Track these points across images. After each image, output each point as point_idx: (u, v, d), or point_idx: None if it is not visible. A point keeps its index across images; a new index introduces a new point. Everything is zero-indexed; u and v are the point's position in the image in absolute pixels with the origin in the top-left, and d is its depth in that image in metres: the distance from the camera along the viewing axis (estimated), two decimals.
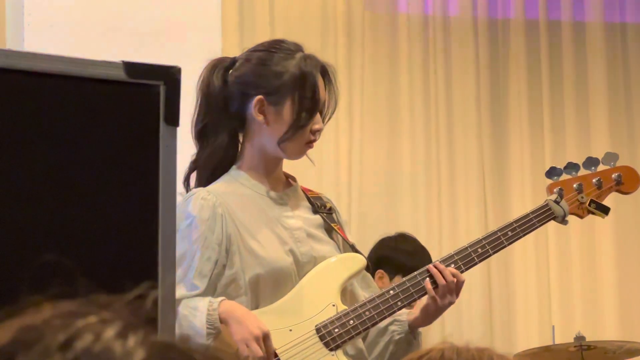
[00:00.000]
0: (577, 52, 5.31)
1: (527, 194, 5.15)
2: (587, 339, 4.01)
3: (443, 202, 5.06)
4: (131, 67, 1.35)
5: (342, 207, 4.89)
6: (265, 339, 2.42)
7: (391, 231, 4.39)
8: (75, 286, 0.66)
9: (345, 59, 5.03)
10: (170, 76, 1.37)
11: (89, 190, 1.31)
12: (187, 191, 2.62)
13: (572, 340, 4.04)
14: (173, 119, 1.36)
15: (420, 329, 2.73)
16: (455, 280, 2.64)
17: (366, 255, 4.26)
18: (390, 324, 2.68)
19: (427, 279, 2.64)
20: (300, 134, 2.56)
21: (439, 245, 4.90)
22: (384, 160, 5.08)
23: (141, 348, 0.57)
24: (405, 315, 2.70)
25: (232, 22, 4.88)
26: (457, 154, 5.14)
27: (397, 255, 4.11)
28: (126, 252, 1.30)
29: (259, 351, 2.40)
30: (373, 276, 4.09)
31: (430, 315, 2.67)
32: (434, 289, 2.62)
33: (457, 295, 2.67)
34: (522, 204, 5.08)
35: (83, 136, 1.32)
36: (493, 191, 5.14)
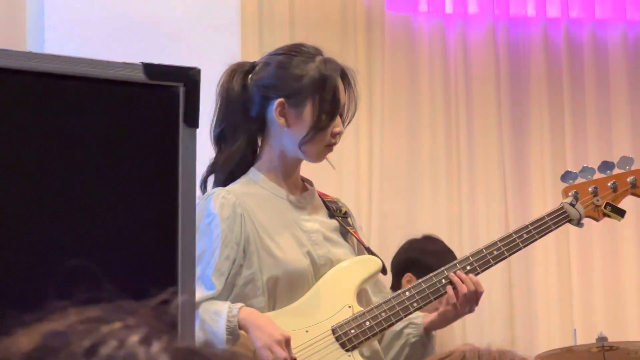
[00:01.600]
0: (597, 55, 5.28)
1: (547, 193, 5.13)
2: (609, 340, 3.99)
3: (463, 203, 5.04)
4: (151, 69, 1.35)
5: (362, 208, 4.90)
6: (286, 344, 2.43)
7: (412, 231, 4.38)
8: (100, 291, 0.66)
9: (365, 60, 5.02)
10: (189, 77, 1.37)
11: (109, 193, 1.31)
12: (204, 193, 2.64)
13: (594, 341, 4.02)
14: (193, 121, 1.36)
15: (436, 332, 2.74)
16: (475, 290, 2.65)
17: (392, 257, 4.28)
18: (406, 327, 2.69)
19: (449, 286, 2.65)
20: (320, 136, 2.58)
21: (460, 245, 4.89)
22: (405, 160, 5.07)
23: (165, 354, 0.57)
24: (420, 318, 2.71)
25: (252, 23, 4.88)
26: (478, 154, 5.12)
27: (424, 257, 4.10)
28: (146, 254, 1.30)
29: (283, 353, 2.41)
30: (401, 280, 4.10)
31: (448, 320, 2.69)
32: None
33: (476, 304, 2.69)
34: (543, 203, 5.07)
35: (103, 138, 1.32)
36: (514, 190, 5.13)
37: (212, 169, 2.64)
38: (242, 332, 2.45)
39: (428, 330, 2.70)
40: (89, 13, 4.58)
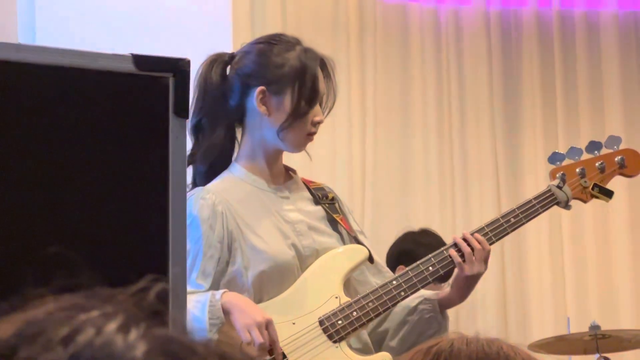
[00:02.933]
0: (590, 42, 5.28)
1: (541, 185, 5.11)
2: (602, 328, 4.00)
3: (457, 198, 5.05)
4: (140, 60, 1.35)
5: (355, 204, 4.89)
6: (267, 326, 2.43)
7: (405, 225, 4.39)
8: (79, 279, 0.66)
9: (358, 49, 5.02)
10: (179, 68, 1.37)
11: (99, 183, 1.31)
12: None
13: (587, 330, 4.03)
14: (183, 111, 1.36)
15: (448, 313, 2.72)
16: (481, 247, 2.64)
17: (385, 252, 4.28)
18: (420, 302, 2.68)
19: (452, 249, 2.65)
20: (299, 123, 2.57)
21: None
22: (397, 155, 5.07)
23: (142, 341, 0.57)
24: (435, 294, 2.70)
25: (243, 12, 4.87)
26: (471, 149, 5.13)
27: (418, 249, 4.10)
28: (136, 245, 1.30)
29: (260, 337, 2.41)
30: (394, 272, 4.10)
31: (461, 289, 2.66)
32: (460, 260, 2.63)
33: (485, 264, 2.66)
34: (536, 189, 5.07)
35: (92, 128, 1.32)
36: (507, 186, 5.13)
37: (190, 160, 2.61)
38: (226, 316, 2.44)
39: (442, 306, 2.68)
40: (80, 5, 4.57)
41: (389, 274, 2.72)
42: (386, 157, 5.05)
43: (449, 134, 5.10)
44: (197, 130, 2.61)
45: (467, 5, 5.20)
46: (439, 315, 2.68)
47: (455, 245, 2.67)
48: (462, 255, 2.64)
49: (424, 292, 2.67)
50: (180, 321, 1.29)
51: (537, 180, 5.12)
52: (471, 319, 4.87)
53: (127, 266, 1.25)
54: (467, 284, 2.67)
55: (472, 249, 2.65)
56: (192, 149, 2.62)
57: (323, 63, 2.62)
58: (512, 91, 5.21)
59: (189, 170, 2.63)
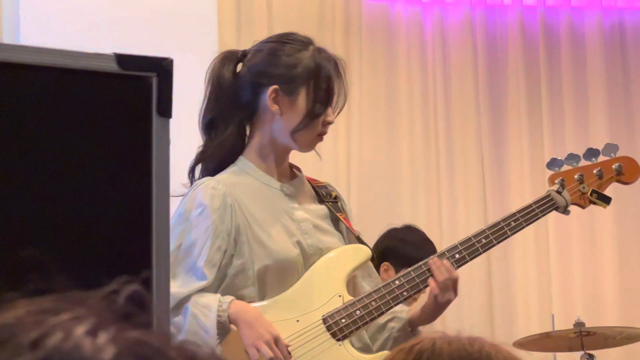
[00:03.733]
0: (574, 42, 5.30)
1: (526, 186, 5.15)
2: (586, 325, 4.01)
3: (443, 197, 5.06)
4: (123, 59, 1.34)
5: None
6: (276, 342, 2.44)
7: (388, 225, 4.39)
8: (51, 282, 0.66)
9: (343, 48, 5.02)
10: (163, 68, 1.36)
11: (82, 183, 1.31)
12: (192, 183, 2.64)
13: (571, 327, 4.05)
14: (166, 111, 1.35)
15: (420, 328, 2.74)
16: (449, 275, 2.65)
17: (372, 245, 4.28)
18: (390, 320, 2.70)
19: (431, 278, 2.66)
20: (313, 124, 2.58)
21: (440, 241, 4.90)
22: (383, 155, 5.08)
23: (111, 345, 0.57)
24: (405, 312, 2.72)
25: (229, 13, 4.86)
26: (457, 146, 5.14)
27: (403, 247, 4.11)
28: (119, 245, 1.29)
29: (269, 352, 2.42)
30: (378, 269, 4.10)
31: (428, 313, 2.69)
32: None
33: (455, 292, 2.68)
34: (521, 196, 5.08)
35: (75, 128, 1.32)
36: (493, 184, 5.14)
37: (200, 157, 2.64)
38: (232, 326, 2.46)
39: (413, 324, 2.70)
40: (64, 4, 4.55)
41: (377, 279, 2.74)
42: (372, 156, 5.06)
43: (435, 132, 5.11)
44: (209, 127, 2.63)
45: (452, 6, 5.21)
46: (408, 334, 2.69)
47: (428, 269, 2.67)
48: (435, 281, 2.65)
49: (395, 309, 2.68)
50: (164, 321, 1.29)
51: (522, 177, 5.14)
52: (457, 317, 4.88)
53: (110, 267, 1.25)
54: (435, 310, 2.69)
55: (443, 277, 2.65)
56: (204, 147, 2.65)
57: (335, 64, 2.63)
58: (497, 90, 5.23)
59: (197, 168, 2.65)
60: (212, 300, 2.47)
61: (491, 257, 5.05)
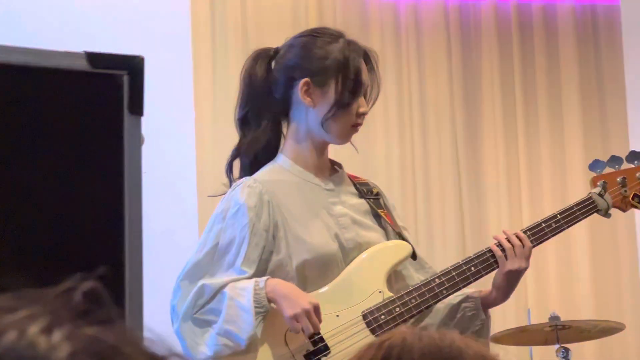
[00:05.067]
0: (547, 34, 5.32)
1: (501, 178, 5.16)
2: (562, 319, 4.03)
3: (418, 201, 5.07)
4: (94, 57, 1.34)
5: None
6: (315, 311, 2.46)
7: None
8: (7, 280, 0.65)
9: None
10: (134, 66, 1.36)
11: (53, 181, 1.30)
12: (230, 179, 2.66)
13: (547, 321, 4.07)
14: (137, 109, 1.35)
15: (490, 312, 2.73)
16: (521, 244, 2.66)
17: None
18: (463, 300, 2.71)
19: (493, 244, 2.68)
20: (343, 114, 2.61)
21: (415, 244, 4.91)
22: (358, 160, 5.08)
23: (66, 342, 0.57)
24: (477, 292, 2.72)
25: (202, 11, 4.85)
26: (431, 142, 5.15)
27: None
28: (91, 244, 1.29)
29: (309, 327, 2.45)
30: None
31: (502, 287, 2.68)
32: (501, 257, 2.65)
33: (527, 260, 2.69)
34: (497, 190, 5.10)
35: (46, 127, 1.31)
36: (468, 179, 5.16)
37: (236, 153, 2.67)
38: (272, 305, 2.48)
39: (485, 305, 2.70)
40: (35, 2, 4.53)
41: (431, 270, 2.74)
42: (346, 162, 5.05)
43: (410, 128, 5.12)
44: (243, 123, 2.66)
45: (425, 1, 5.22)
46: (481, 313, 2.71)
47: (497, 243, 2.69)
48: (503, 251, 2.67)
49: (466, 290, 2.70)
50: (138, 318, 1.28)
51: (497, 170, 5.16)
52: None
53: (81, 266, 1.25)
54: (508, 281, 2.69)
55: (513, 246, 2.66)
56: (239, 142, 2.68)
57: (367, 55, 2.67)
58: (472, 84, 5.24)
59: (236, 164, 2.67)
60: (249, 281, 2.50)
61: (467, 251, 5.07)
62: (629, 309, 5.14)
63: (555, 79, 5.31)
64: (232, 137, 5.12)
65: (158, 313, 4.06)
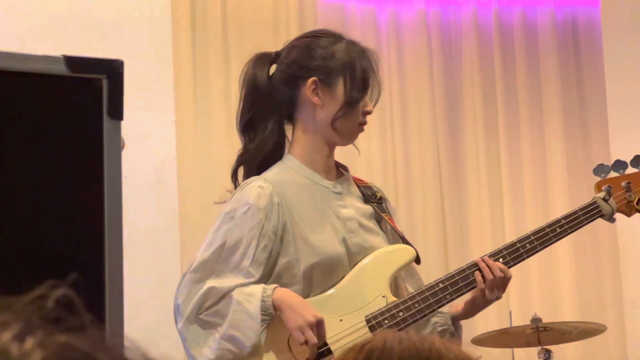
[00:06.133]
0: (528, 39, 5.34)
1: (483, 188, 5.17)
2: (543, 321, 4.04)
3: (400, 202, 5.07)
4: (72, 62, 1.33)
5: None
6: (318, 326, 2.46)
7: None
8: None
9: None
10: (113, 70, 1.36)
11: (32, 186, 1.30)
12: (235, 185, 2.65)
13: (529, 323, 4.07)
14: (117, 113, 1.34)
15: (461, 323, 2.76)
16: (503, 275, 2.67)
17: None
18: (433, 315, 2.71)
19: (478, 272, 2.67)
20: (353, 113, 2.62)
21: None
22: (339, 152, 5.08)
23: (39, 350, 0.57)
24: (447, 308, 2.73)
25: (183, 14, 4.84)
26: (413, 147, 5.16)
27: None
28: (71, 248, 1.29)
29: (314, 339, 2.45)
30: None
31: (475, 308, 2.71)
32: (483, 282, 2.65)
33: (504, 290, 2.70)
34: (478, 190, 5.11)
35: (25, 132, 1.30)
36: (449, 178, 5.16)
37: (241, 159, 2.66)
38: (277, 313, 2.48)
39: (455, 320, 2.72)
40: (12, 5, 4.51)
41: (420, 282, 2.75)
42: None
43: (391, 132, 5.12)
44: (247, 129, 2.65)
45: (406, 5, 5.23)
46: (451, 328, 2.72)
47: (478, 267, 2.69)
48: (484, 279, 2.67)
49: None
50: (117, 323, 1.28)
51: (478, 172, 5.17)
52: None
53: (61, 271, 1.24)
54: (482, 306, 2.71)
55: (495, 277, 2.67)
56: (245, 148, 2.66)
57: (368, 56, 2.68)
58: (452, 89, 5.25)
59: (241, 170, 2.66)
60: (257, 288, 2.50)
61: (449, 254, 5.08)
62: (611, 311, 5.16)
63: (536, 82, 5.33)
64: (212, 140, 5.10)
65: (140, 316, 4.03)
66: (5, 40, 4.20)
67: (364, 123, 2.67)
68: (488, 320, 4.98)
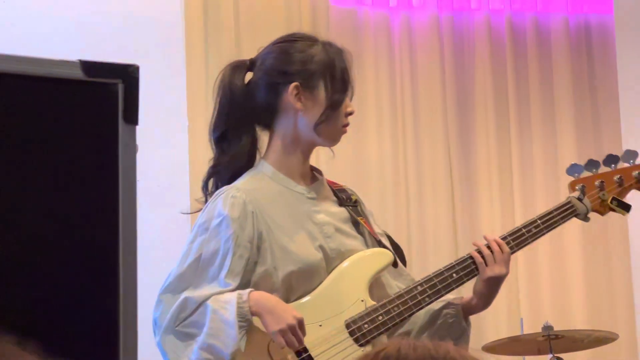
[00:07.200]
0: (540, 45, 5.33)
1: (494, 186, 5.17)
2: (555, 329, 4.04)
3: (411, 204, 5.07)
4: (89, 66, 1.34)
5: None
6: (299, 326, 2.44)
7: None
8: None
9: None
10: (128, 75, 1.36)
11: (48, 190, 1.30)
12: (206, 197, 2.62)
13: (540, 330, 4.07)
14: (132, 118, 1.35)
15: (470, 318, 2.73)
16: (500, 250, 2.66)
17: None
18: (444, 306, 2.69)
19: (474, 251, 2.67)
20: (335, 115, 2.59)
21: (408, 246, 4.92)
22: (351, 159, 5.08)
23: None
24: (459, 299, 2.71)
25: (196, 19, 4.85)
26: (424, 152, 5.15)
27: None
28: (86, 253, 1.29)
29: (295, 342, 2.43)
30: None
31: (483, 294, 2.68)
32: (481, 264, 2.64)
33: (507, 267, 2.68)
34: (490, 198, 5.10)
35: (41, 136, 1.31)
36: (461, 185, 5.16)
37: (213, 170, 2.63)
38: (255, 318, 2.45)
39: (466, 312, 2.70)
40: (29, 10, 4.52)
41: (409, 277, 2.73)
42: (340, 160, 5.06)
43: (402, 135, 5.12)
44: (221, 141, 2.62)
45: (418, 10, 5.23)
46: (462, 321, 2.69)
47: (477, 250, 2.68)
48: (483, 257, 2.66)
49: (448, 296, 2.68)
50: (131, 344, 1.28)
51: (490, 177, 5.16)
52: None
53: (76, 275, 1.25)
54: (489, 288, 2.68)
55: (492, 252, 2.66)
56: (217, 159, 2.62)
57: (344, 55, 2.66)
58: (464, 95, 5.25)
59: (211, 181, 2.63)
60: (232, 295, 2.47)
61: (460, 254, 5.06)
62: (622, 319, 5.14)
63: (548, 87, 5.32)
64: None
65: (150, 316, 4.02)
66: (22, 45, 4.22)
67: (347, 124, 2.64)
68: (499, 327, 4.97)
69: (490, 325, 5.03)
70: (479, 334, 4.96)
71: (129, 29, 4.65)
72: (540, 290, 5.13)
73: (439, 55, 5.20)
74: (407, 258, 4.14)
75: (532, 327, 4.62)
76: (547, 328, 4.03)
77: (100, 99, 1.34)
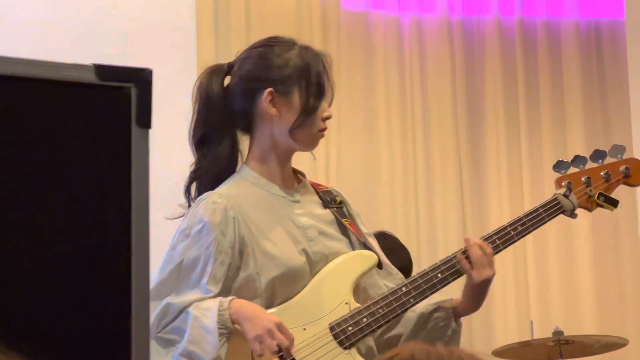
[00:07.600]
0: (551, 49, 5.33)
1: (504, 191, 5.16)
2: (565, 334, 4.03)
3: (420, 203, 5.07)
4: (102, 70, 1.34)
5: None
6: (279, 328, 2.43)
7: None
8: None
9: None
10: (142, 78, 1.36)
11: (59, 195, 1.30)
12: (189, 202, 2.62)
13: (550, 335, 4.06)
14: (145, 122, 1.35)
15: (461, 320, 2.72)
16: (482, 253, 2.64)
17: None
18: (435, 310, 2.69)
19: (460, 254, 2.65)
20: (311, 120, 2.58)
21: (417, 246, 4.91)
22: (361, 160, 5.09)
23: None
24: (450, 302, 2.71)
25: (207, 22, 4.86)
26: (434, 152, 5.15)
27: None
28: (97, 258, 1.29)
29: (273, 345, 2.41)
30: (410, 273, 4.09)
31: (472, 297, 2.67)
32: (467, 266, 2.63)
33: (492, 269, 2.66)
34: (499, 198, 5.10)
35: (54, 140, 1.31)
36: (470, 185, 5.16)
37: (194, 175, 2.63)
38: (235, 326, 2.45)
39: (457, 314, 2.69)
40: (41, 13, 4.54)
41: (398, 276, 2.72)
42: (350, 161, 5.06)
43: (412, 138, 5.12)
44: (201, 144, 2.62)
45: (429, 13, 5.23)
46: (453, 323, 2.69)
47: (462, 251, 2.67)
48: (470, 262, 2.65)
49: (439, 299, 2.68)
50: (144, 322, 1.28)
51: (499, 178, 5.16)
52: None
53: (89, 280, 1.25)
54: (477, 290, 2.67)
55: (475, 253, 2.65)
56: (198, 164, 2.63)
57: (321, 59, 2.65)
58: (474, 97, 5.25)
59: (193, 185, 2.63)
60: (213, 301, 2.47)
61: None
62: (632, 324, 5.13)
63: (558, 90, 5.32)
64: None
65: None
66: (33, 50, 4.23)
67: (324, 129, 2.63)
68: (508, 331, 4.97)
69: (500, 329, 5.03)
70: (489, 338, 4.95)
71: (141, 33, 4.66)
72: (550, 295, 5.12)
73: (450, 58, 5.20)
74: (416, 259, 4.15)
75: (542, 332, 4.61)
76: (558, 333, 4.03)
77: (113, 102, 1.34)
